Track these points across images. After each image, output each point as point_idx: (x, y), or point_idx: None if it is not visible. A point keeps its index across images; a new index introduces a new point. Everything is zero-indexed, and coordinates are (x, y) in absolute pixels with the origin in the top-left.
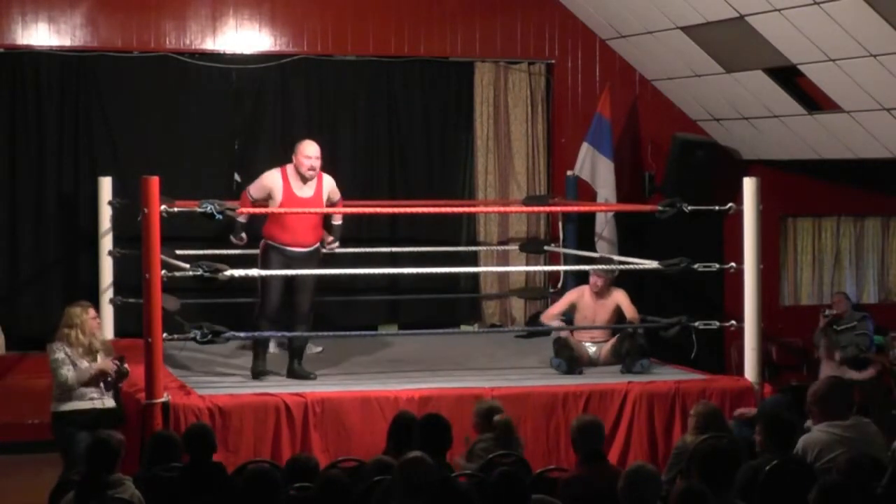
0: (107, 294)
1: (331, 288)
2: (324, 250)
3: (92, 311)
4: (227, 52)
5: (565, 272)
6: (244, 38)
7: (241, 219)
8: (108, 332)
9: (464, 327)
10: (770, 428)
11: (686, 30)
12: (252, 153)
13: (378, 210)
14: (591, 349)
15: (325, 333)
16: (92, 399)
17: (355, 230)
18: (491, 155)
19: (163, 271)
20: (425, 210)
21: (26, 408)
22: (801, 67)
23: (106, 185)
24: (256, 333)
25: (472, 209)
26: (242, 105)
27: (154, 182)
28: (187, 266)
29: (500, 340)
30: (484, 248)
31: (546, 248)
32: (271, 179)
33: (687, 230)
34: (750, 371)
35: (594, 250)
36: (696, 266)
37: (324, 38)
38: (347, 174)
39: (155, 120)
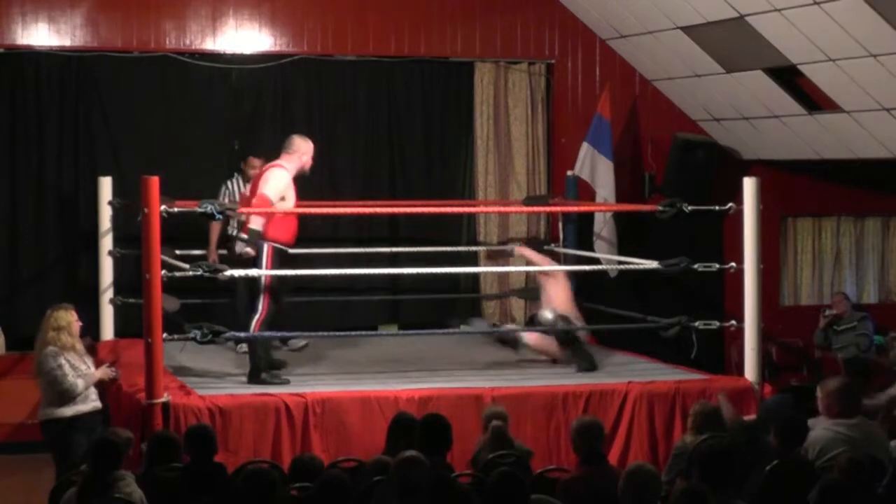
0: (107, 294)
1: (331, 288)
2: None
3: (75, 314)
4: (227, 52)
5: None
6: (244, 38)
7: (259, 225)
8: (108, 332)
9: (464, 327)
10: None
11: (686, 30)
12: (252, 153)
13: (378, 210)
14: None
15: (326, 333)
16: (94, 401)
17: (355, 230)
18: (491, 155)
19: (163, 271)
20: (425, 210)
21: (26, 408)
22: (801, 67)
23: (106, 185)
24: (256, 334)
25: (472, 209)
26: (242, 105)
27: (154, 182)
28: (187, 266)
29: None
30: (484, 248)
31: (546, 248)
32: (286, 180)
33: (687, 230)
34: (750, 371)
35: (594, 250)
36: (696, 266)
37: (324, 38)
38: (347, 174)
39: (155, 120)
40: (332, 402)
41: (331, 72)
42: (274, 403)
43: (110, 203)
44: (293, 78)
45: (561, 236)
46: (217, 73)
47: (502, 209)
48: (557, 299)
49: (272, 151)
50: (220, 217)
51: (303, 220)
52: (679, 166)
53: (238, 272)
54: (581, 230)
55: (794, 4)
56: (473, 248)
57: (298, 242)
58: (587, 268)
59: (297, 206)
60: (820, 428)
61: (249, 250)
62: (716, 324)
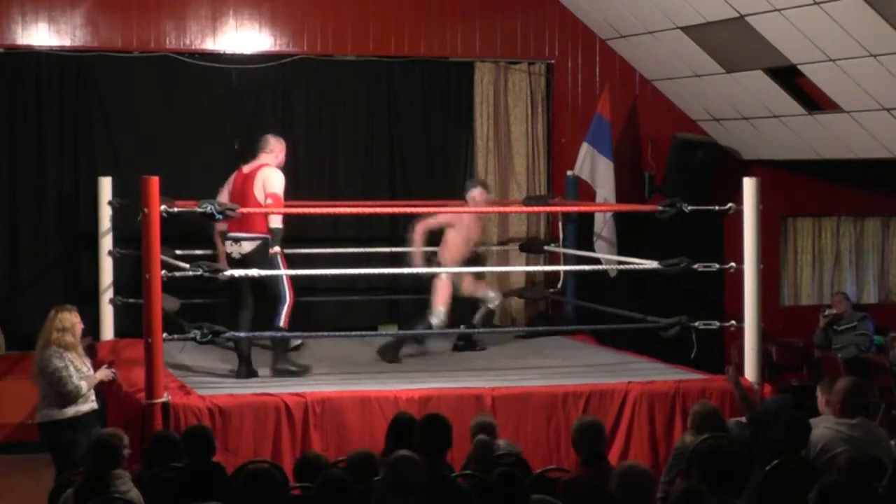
0: (107, 294)
1: (331, 288)
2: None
3: (78, 315)
4: (227, 52)
5: (565, 272)
6: (244, 38)
7: (279, 223)
8: (108, 332)
9: (464, 327)
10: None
11: (686, 30)
12: (252, 153)
13: (378, 210)
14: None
15: (326, 333)
16: (92, 401)
17: (355, 230)
18: (491, 155)
19: (163, 271)
20: (425, 210)
21: (26, 408)
22: (801, 67)
23: (106, 185)
24: (256, 333)
25: (472, 209)
26: (242, 105)
27: (154, 182)
28: (187, 266)
29: (500, 340)
30: (484, 248)
31: (546, 248)
32: (282, 176)
33: (687, 230)
34: (750, 371)
35: (594, 250)
36: (696, 266)
37: (324, 38)
38: (347, 174)
39: (155, 120)
40: (332, 402)
41: (331, 72)
42: (274, 403)
43: (110, 203)
44: (293, 78)
45: (561, 236)
46: (217, 73)
47: (502, 209)
48: (448, 251)
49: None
50: (221, 217)
51: (303, 219)
52: (679, 166)
53: (238, 272)
54: (581, 230)
55: (794, 4)
56: (473, 249)
57: (298, 242)
58: (587, 268)
59: (297, 206)
60: (821, 427)
61: (277, 248)
62: (716, 324)
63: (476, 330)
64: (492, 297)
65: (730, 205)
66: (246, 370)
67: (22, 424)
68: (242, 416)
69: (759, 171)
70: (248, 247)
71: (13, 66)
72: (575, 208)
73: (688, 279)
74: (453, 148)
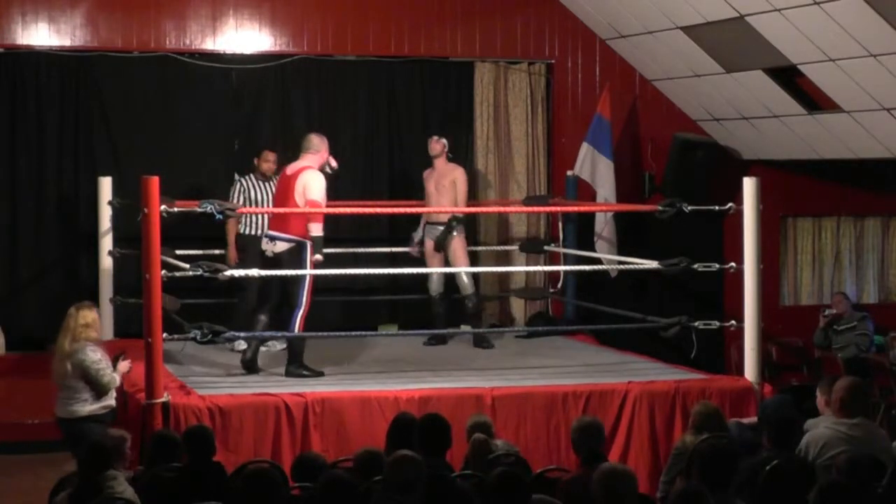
0: (107, 294)
1: (331, 288)
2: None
3: (96, 311)
4: (227, 52)
5: (565, 272)
6: (244, 38)
7: (320, 231)
8: (108, 332)
9: (464, 327)
10: (772, 427)
11: (686, 30)
12: (252, 153)
13: (378, 210)
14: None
15: (326, 333)
16: (112, 396)
17: (355, 230)
18: (491, 155)
19: (163, 271)
20: (425, 210)
21: (26, 408)
22: (801, 67)
23: (106, 185)
24: (257, 333)
25: (472, 209)
26: (242, 105)
27: (154, 182)
28: (187, 266)
29: (500, 340)
30: (484, 248)
31: (546, 248)
32: (324, 180)
33: (687, 230)
34: (750, 371)
35: (594, 250)
36: (696, 266)
37: (324, 38)
38: (347, 174)
39: (155, 120)
40: (332, 402)
41: (331, 72)
42: (274, 403)
43: (110, 203)
44: (293, 78)
45: (561, 236)
46: (217, 73)
47: (502, 209)
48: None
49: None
50: (221, 217)
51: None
52: (679, 166)
53: (239, 272)
54: (581, 230)
55: (794, 4)
56: (473, 248)
57: None
58: (587, 268)
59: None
60: (821, 427)
61: (319, 257)
62: (716, 324)
63: (482, 330)
64: (466, 286)
65: (730, 205)
66: (302, 368)
67: (22, 424)
68: (242, 416)
69: (759, 171)
70: (281, 247)
71: (13, 66)
72: (575, 208)
73: (688, 279)
74: (453, 148)
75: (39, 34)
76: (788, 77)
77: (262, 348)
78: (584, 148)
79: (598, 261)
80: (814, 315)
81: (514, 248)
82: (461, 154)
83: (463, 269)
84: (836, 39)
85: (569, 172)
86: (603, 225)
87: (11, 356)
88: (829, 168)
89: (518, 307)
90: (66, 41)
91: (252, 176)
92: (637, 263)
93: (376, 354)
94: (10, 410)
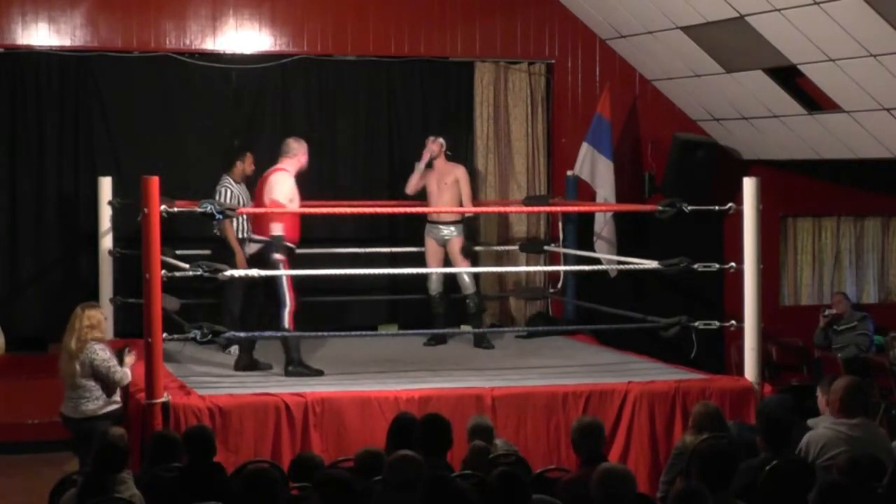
0: (107, 294)
1: (331, 288)
2: None
3: (102, 312)
4: (227, 52)
5: (565, 272)
6: (244, 38)
7: (281, 231)
8: (109, 331)
9: (464, 327)
10: (767, 427)
11: (686, 30)
12: (252, 153)
13: (378, 210)
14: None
15: (326, 333)
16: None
17: (355, 230)
18: (491, 155)
19: (163, 271)
20: (425, 210)
21: (26, 408)
22: (801, 67)
23: (106, 185)
24: (256, 334)
25: (472, 209)
26: (242, 105)
27: (154, 182)
28: (187, 266)
29: (500, 340)
30: (484, 248)
31: (546, 248)
32: (291, 183)
33: (687, 230)
34: (750, 371)
35: (594, 250)
36: (696, 266)
37: (324, 38)
38: (347, 174)
39: (155, 120)
40: (332, 402)
41: (331, 72)
42: (274, 403)
43: (110, 203)
44: (293, 78)
45: (561, 236)
46: (217, 73)
47: (502, 209)
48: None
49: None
50: (221, 217)
51: (303, 219)
52: (679, 166)
53: (239, 272)
54: (581, 230)
55: (794, 4)
56: (473, 248)
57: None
58: (587, 268)
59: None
60: (821, 427)
61: (278, 255)
62: (716, 324)
63: (482, 330)
64: (467, 285)
65: (730, 205)
66: (301, 367)
67: (22, 424)
68: (242, 416)
69: (759, 171)
70: (254, 248)
71: (13, 66)
72: (575, 208)
73: (688, 279)
74: (453, 148)
75: (39, 34)
76: (788, 77)
77: (226, 353)
78: (584, 148)
79: (597, 261)
80: (814, 315)
81: (514, 248)
82: (461, 154)
83: (464, 270)
84: (836, 39)
85: (569, 172)
86: (603, 225)
87: (11, 356)
88: (829, 168)
89: (518, 307)
90: (66, 41)
91: (231, 181)
92: (637, 263)
93: (376, 354)
94: (10, 410)
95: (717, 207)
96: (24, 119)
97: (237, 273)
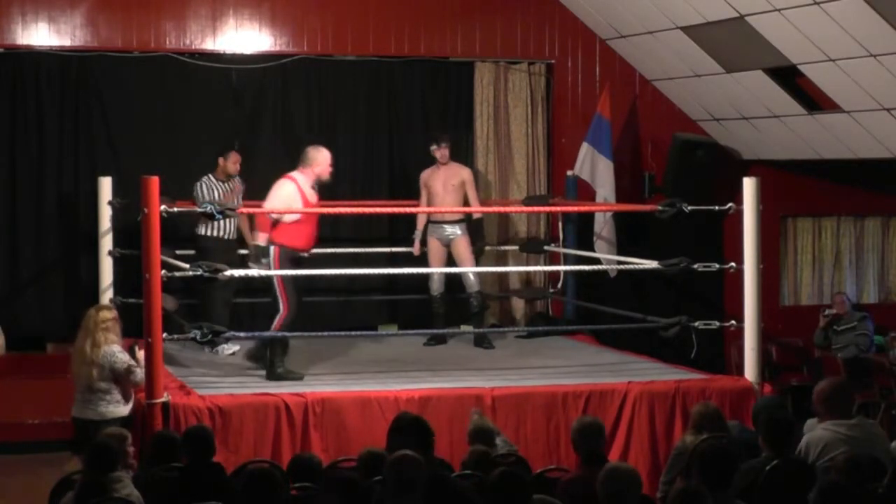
0: (107, 294)
1: (331, 288)
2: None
3: (115, 312)
4: (227, 52)
5: (565, 272)
6: (244, 38)
7: (263, 241)
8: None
9: (464, 327)
10: (767, 428)
11: (686, 30)
12: (252, 153)
13: (378, 210)
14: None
15: (325, 333)
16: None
17: (355, 230)
18: (491, 155)
19: (163, 271)
20: (425, 210)
21: (26, 408)
22: (801, 67)
23: (106, 185)
24: (257, 333)
25: (472, 209)
26: (242, 105)
27: (154, 182)
28: (187, 266)
29: (500, 340)
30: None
31: (546, 248)
32: (288, 191)
33: (687, 230)
34: (750, 371)
35: (594, 250)
36: (696, 266)
37: (324, 38)
38: (347, 174)
39: (155, 120)
40: (332, 402)
41: (331, 72)
42: (274, 403)
43: (110, 203)
44: (293, 78)
45: (561, 236)
46: (217, 73)
47: (502, 209)
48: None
49: (272, 151)
50: (221, 217)
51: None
52: (679, 166)
53: (239, 272)
54: (581, 230)
55: (794, 4)
56: (485, 248)
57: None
58: (587, 268)
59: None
60: (820, 428)
61: (255, 265)
62: (716, 324)
63: (482, 330)
64: (472, 283)
65: (730, 205)
66: (279, 369)
67: (22, 424)
68: (242, 416)
69: (759, 171)
70: (252, 252)
71: (13, 66)
72: (575, 208)
73: (688, 279)
74: (453, 148)
75: (39, 34)
76: (788, 77)
77: (211, 352)
78: (584, 148)
79: (597, 261)
80: (814, 315)
81: (515, 248)
82: (461, 154)
83: (466, 270)
84: (836, 39)
85: (569, 172)
86: (603, 225)
87: (11, 356)
88: (829, 168)
89: (518, 307)
90: (66, 41)
91: (213, 177)
92: (637, 263)
93: (376, 354)
94: (10, 410)
95: (717, 207)
96: (24, 119)
97: (237, 273)
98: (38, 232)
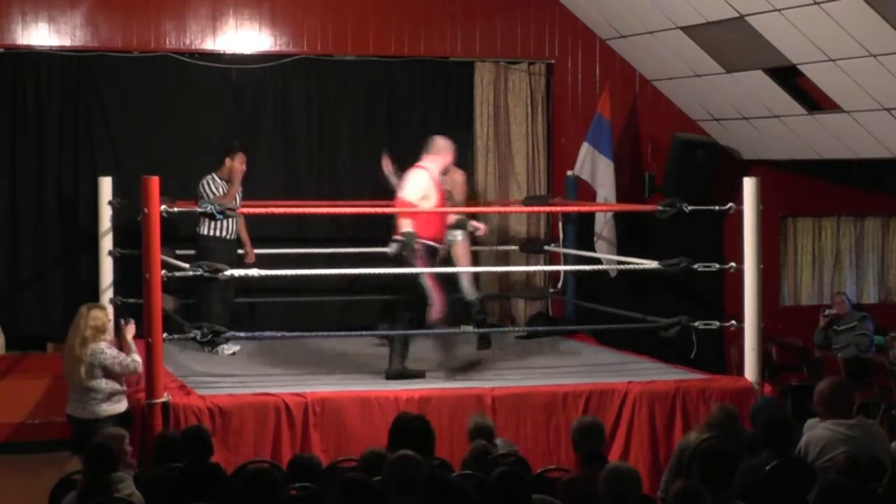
0: (107, 294)
1: (331, 288)
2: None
3: (107, 312)
4: (227, 52)
5: (565, 272)
6: (244, 38)
7: (410, 227)
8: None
9: (464, 327)
10: (767, 428)
11: (686, 30)
12: (252, 153)
13: (378, 210)
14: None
15: (324, 333)
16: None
17: (355, 230)
18: (491, 155)
19: (163, 271)
20: (425, 210)
21: (26, 408)
22: (801, 67)
23: (106, 185)
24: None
25: (472, 209)
26: (242, 105)
27: (154, 182)
28: (187, 266)
29: (500, 340)
30: (484, 248)
31: (546, 248)
32: (423, 179)
33: (687, 230)
34: (750, 371)
35: (594, 250)
36: (696, 266)
37: (324, 38)
38: (347, 174)
39: (155, 120)
40: (332, 402)
41: (331, 72)
42: (274, 403)
43: (110, 203)
44: (293, 78)
45: (561, 236)
46: (217, 73)
47: (502, 209)
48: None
49: (272, 151)
50: (221, 217)
51: (302, 219)
52: (679, 166)
53: (238, 272)
54: (581, 230)
55: (794, 4)
56: (473, 248)
57: (297, 242)
58: (587, 268)
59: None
60: (820, 428)
61: (406, 252)
62: (716, 324)
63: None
64: (468, 291)
65: (730, 205)
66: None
67: (22, 424)
68: (242, 416)
69: (759, 171)
70: (393, 248)
71: (13, 66)
72: (575, 208)
73: (688, 279)
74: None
75: (39, 34)
76: (788, 77)
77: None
78: (584, 148)
79: (598, 261)
80: (814, 315)
81: (514, 248)
82: (461, 154)
83: (465, 269)
84: (836, 39)
85: (569, 172)
86: (603, 225)
87: (11, 356)
88: (829, 168)
89: (518, 307)
90: (66, 41)
91: (216, 176)
92: (637, 263)
93: (376, 354)
94: (10, 410)
95: (717, 207)
96: (24, 119)
97: (237, 273)
98: (38, 232)
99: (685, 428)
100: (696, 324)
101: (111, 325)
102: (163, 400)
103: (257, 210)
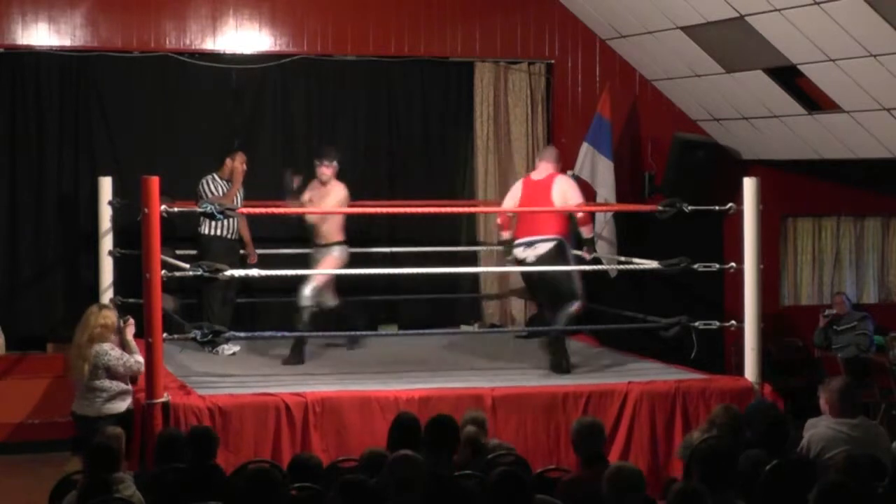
0: (107, 294)
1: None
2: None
3: (115, 313)
4: (227, 52)
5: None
6: (244, 38)
7: (589, 233)
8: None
9: (464, 327)
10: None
11: (686, 30)
12: (252, 153)
13: (378, 210)
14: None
15: (322, 334)
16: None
17: (355, 230)
18: (491, 155)
19: (163, 271)
20: (425, 210)
21: (26, 408)
22: (801, 67)
23: (106, 185)
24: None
25: (472, 209)
26: (242, 105)
27: (154, 182)
28: (187, 266)
29: (500, 340)
30: (484, 248)
31: None
32: (574, 185)
33: (687, 230)
34: (750, 371)
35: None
36: (696, 266)
37: (324, 38)
38: (347, 174)
39: (155, 120)
40: (332, 402)
41: (331, 72)
42: (274, 403)
43: (110, 203)
44: (293, 78)
45: None
46: (217, 73)
47: (502, 209)
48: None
49: (272, 151)
50: (221, 217)
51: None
52: (679, 166)
53: (238, 272)
54: None
55: (794, 4)
56: (473, 248)
57: (297, 242)
58: (587, 268)
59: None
60: (821, 427)
61: (590, 254)
62: (716, 324)
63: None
64: (305, 297)
65: (730, 205)
66: (563, 363)
67: (22, 424)
68: (242, 416)
69: (759, 171)
70: (542, 248)
71: (13, 66)
72: (575, 208)
73: (688, 279)
74: (453, 148)
75: (39, 34)
76: (788, 77)
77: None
78: (584, 148)
79: (598, 261)
80: (814, 315)
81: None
82: (461, 154)
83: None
84: (836, 39)
85: (569, 172)
86: (603, 225)
87: (11, 356)
88: (829, 168)
89: (518, 307)
90: (66, 41)
91: (216, 176)
92: (637, 263)
93: (376, 354)
94: (10, 410)
95: (717, 207)
96: (24, 119)
97: (238, 273)
98: (38, 232)
99: (685, 428)
100: (696, 324)
101: (118, 326)
102: (163, 400)
103: (257, 210)
